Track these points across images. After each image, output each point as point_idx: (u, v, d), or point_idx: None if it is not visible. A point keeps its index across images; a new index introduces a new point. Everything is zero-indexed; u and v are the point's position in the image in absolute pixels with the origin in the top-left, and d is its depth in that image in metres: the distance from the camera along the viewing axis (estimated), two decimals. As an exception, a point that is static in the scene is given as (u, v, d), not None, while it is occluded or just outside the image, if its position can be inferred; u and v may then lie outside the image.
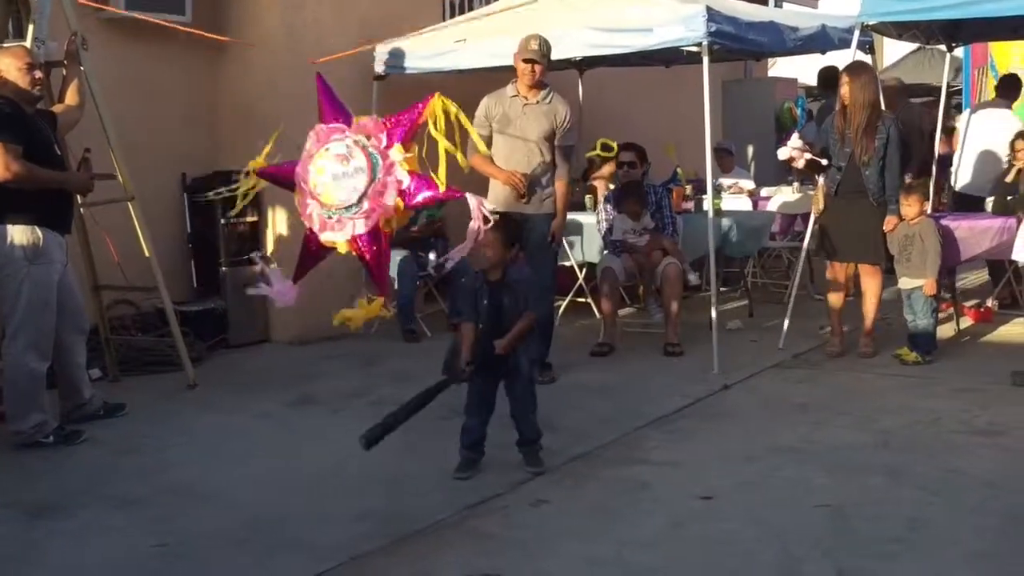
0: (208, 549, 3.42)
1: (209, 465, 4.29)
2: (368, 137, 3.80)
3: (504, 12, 6.67)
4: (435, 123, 3.93)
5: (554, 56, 6.25)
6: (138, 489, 4.00)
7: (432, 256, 6.80)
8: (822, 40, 6.80)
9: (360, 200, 3.73)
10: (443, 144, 3.90)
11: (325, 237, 3.82)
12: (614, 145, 7.31)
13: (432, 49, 6.66)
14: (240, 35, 6.65)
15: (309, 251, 3.99)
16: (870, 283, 5.90)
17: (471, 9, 7.85)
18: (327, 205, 3.72)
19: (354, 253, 3.88)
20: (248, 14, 6.71)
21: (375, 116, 3.92)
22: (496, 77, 7.45)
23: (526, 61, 5.26)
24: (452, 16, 7.71)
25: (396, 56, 6.75)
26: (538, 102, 5.33)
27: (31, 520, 3.70)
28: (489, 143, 5.31)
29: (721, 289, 7.07)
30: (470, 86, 7.55)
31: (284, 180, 3.91)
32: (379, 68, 6.82)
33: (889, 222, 5.64)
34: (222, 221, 6.54)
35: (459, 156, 4.00)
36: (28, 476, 4.19)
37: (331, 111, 3.86)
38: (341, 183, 3.72)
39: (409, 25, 6.93)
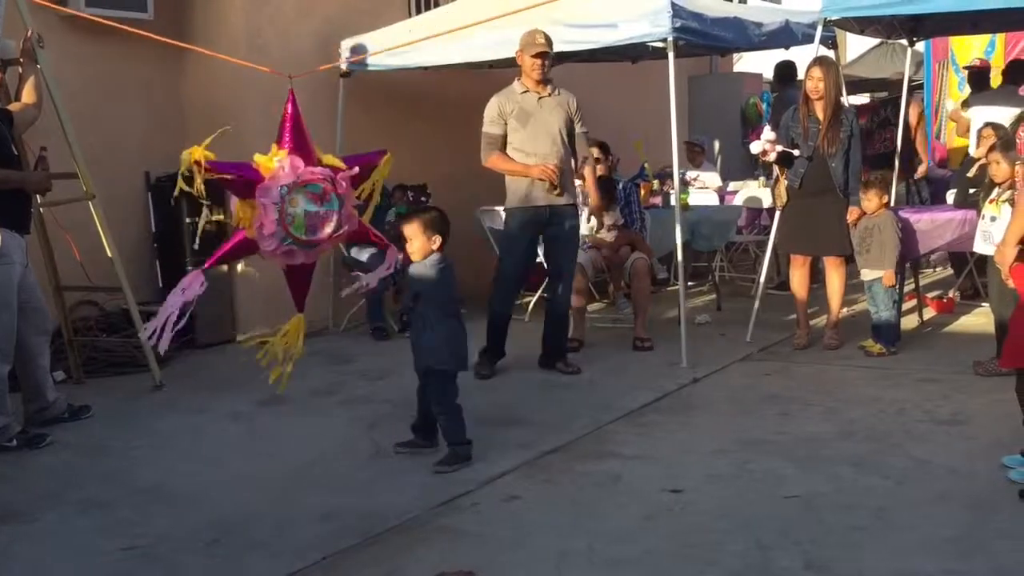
0: (177, 551, 3.38)
1: (177, 466, 4.25)
2: (333, 180, 3.85)
3: (469, 6, 6.65)
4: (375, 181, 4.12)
5: (520, 51, 6.27)
6: (105, 492, 3.95)
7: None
8: (786, 35, 6.85)
9: (319, 241, 3.83)
10: (376, 200, 4.20)
11: (270, 255, 3.84)
12: None
13: (398, 45, 6.62)
14: (204, 33, 6.58)
15: (238, 250, 3.97)
16: (834, 275, 5.97)
17: (436, 5, 7.83)
18: (293, 236, 3.77)
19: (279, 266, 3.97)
20: (211, 12, 6.64)
21: (339, 165, 3.93)
22: (463, 73, 7.47)
23: (535, 56, 5.26)
24: (418, 12, 7.68)
25: (361, 53, 6.71)
26: (550, 95, 5.37)
27: (-5, 525, 3.64)
28: (502, 142, 5.32)
29: (689, 283, 7.12)
30: (436, 82, 7.57)
31: (238, 184, 3.79)
32: (344, 65, 6.78)
33: (852, 212, 5.71)
34: (187, 220, 6.48)
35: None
36: (-9, 481, 4.12)
37: (294, 137, 3.84)
38: (310, 221, 3.78)
39: (374, 20, 6.90)
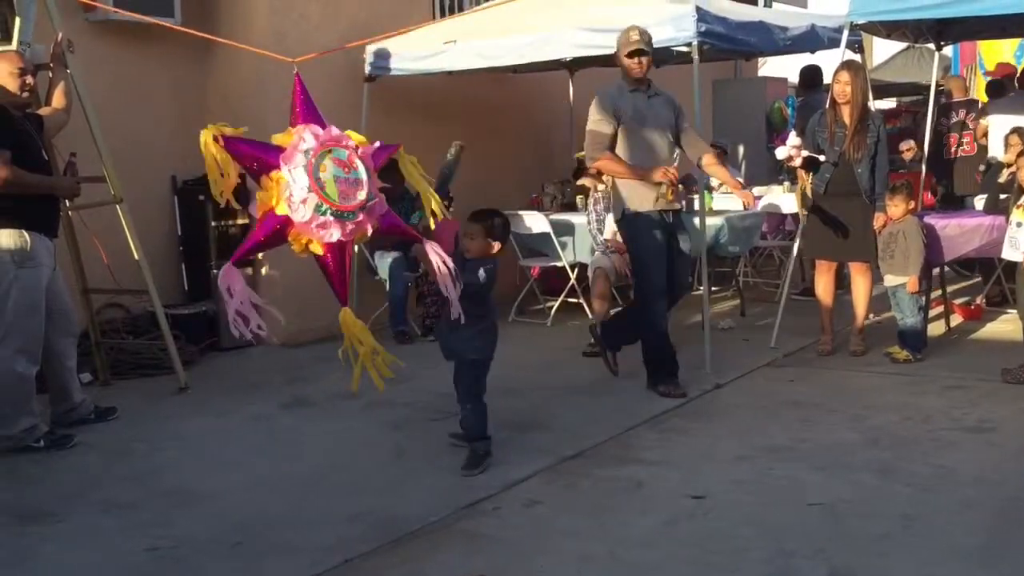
0: (201, 553, 3.41)
1: (201, 468, 4.28)
2: (357, 150, 3.77)
3: (494, 12, 6.67)
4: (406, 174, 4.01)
5: (544, 56, 6.28)
6: (130, 493, 3.98)
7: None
8: (811, 40, 6.82)
9: (356, 212, 3.68)
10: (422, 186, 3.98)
11: (307, 229, 3.69)
12: None
13: (422, 50, 6.66)
14: (230, 38, 6.63)
15: (267, 237, 3.81)
16: (861, 281, 5.92)
17: (461, 9, 7.86)
18: (328, 200, 3.63)
19: (316, 258, 3.79)
20: (236, 15, 6.70)
21: (360, 139, 3.85)
22: (486, 78, 7.49)
23: (631, 55, 5.01)
24: (442, 16, 7.71)
25: (385, 57, 6.75)
26: (656, 93, 5.15)
27: (22, 525, 3.68)
28: (611, 142, 5.02)
29: (713, 289, 7.08)
30: (459, 87, 7.59)
31: (255, 160, 3.68)
32: (368, 69, 6.82)
33: (879, 219, 5.66)
34: (212, 223, 6.53)
35: (434, 204, 3.98)
36: (19, 481, 4.17)
37: (305, 113, 3.79)
38: (341, 187, 3.67)
39: (399, 25, 6.92)
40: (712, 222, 6.55)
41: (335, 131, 3.73)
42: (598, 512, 3.66)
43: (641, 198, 5.03)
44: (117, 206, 5.40)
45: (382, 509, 3.73)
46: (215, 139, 3.50)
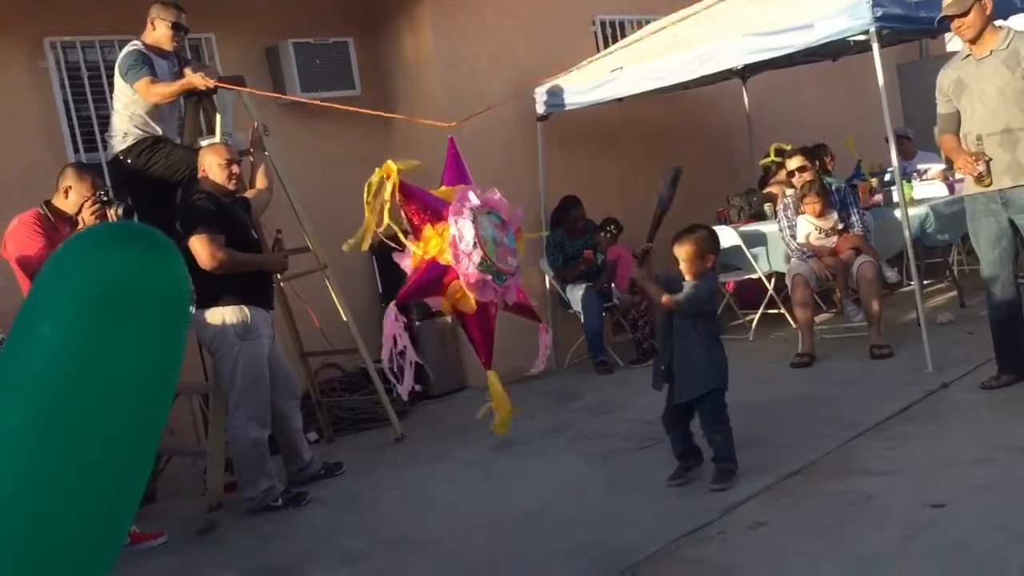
0: (432, 597, 3.51)
1: (423, 514, 4.42)
2: (503, 223, 3.79)
3: (656, 34, 6.63)
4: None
5: (714, 68, 6.16)
6: (361, 543, 4.16)
7: (614, 287, 6.81)
8: (1003, 5, 6.31)
9: (508, 276, 3.72)
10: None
11: (468, 283, 3.75)
12: (787, 148, 7.08)
13: (590, 82, 6.70)
14: (407, 100, 6.94)
15: (427, 283, 3.86)
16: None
17: (624, 36, 7.86)
18: (488, 259, 3.68)
19: (461, 321, 3.79)
20: (412, 79, 6.98)
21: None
22: (657, 99, 7.43)
23: (942, 20, 4.69)
24: (605, 47, 7.75)
25: (555, 95, 6.83)
26: (992, 52, 4.60)
27: (269, 580, 3.93)
28: (952, 122, 4.78)
29: (925, 283, 6.65)
30: (631, 113, 7.58)
31: (427, 208, 3.77)
32: (540, 109, 6.93)
33: None
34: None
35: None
36: (263, 539, 4.45)
37: (457, 174, 3.87)
38: (499, 249, 3.73)
39: (564, 62, 7.01)
40: (915, 212, 6.18)
41: (496, 195, 3.79)
42: (828, 530, 3.48)
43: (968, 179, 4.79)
44: (323, 272, 5.72)
45: (602, 542, 3.71)
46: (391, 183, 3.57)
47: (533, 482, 4.59)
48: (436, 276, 3.74)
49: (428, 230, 3.69)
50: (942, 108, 4.84)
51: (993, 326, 4.89)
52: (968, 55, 4.71)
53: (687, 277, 4.10)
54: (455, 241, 3.63)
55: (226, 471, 4.94)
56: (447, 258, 3.66)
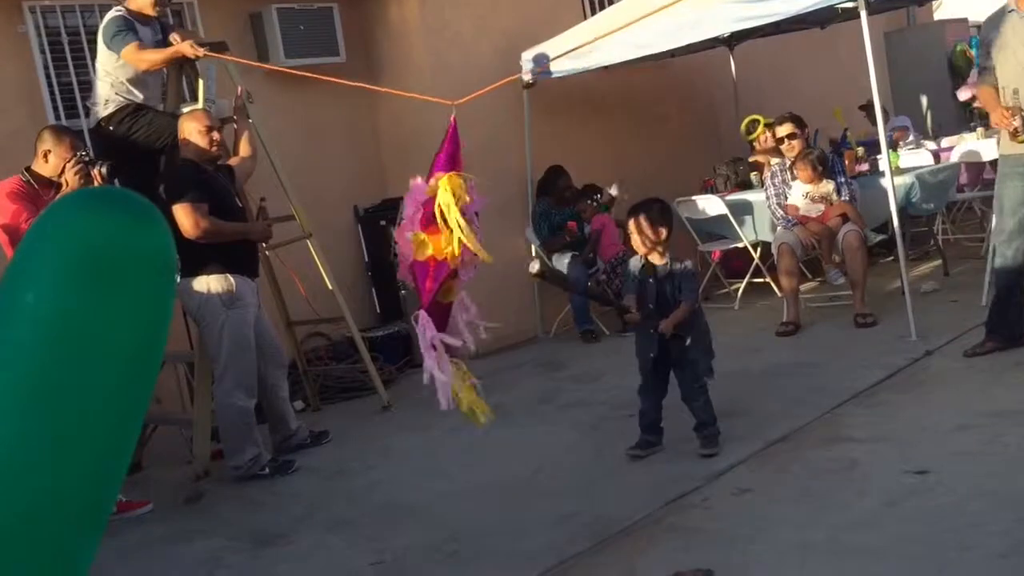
0: (421, 563, 3.53)
1: (411, 482, 4.44)
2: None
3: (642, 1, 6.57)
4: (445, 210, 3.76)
5: (701, 36, 6.12)
6: (350, 511, 4.18)
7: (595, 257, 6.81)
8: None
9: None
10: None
11: (464, 281, 3.74)
12: (761, 120, 7.12)
13: (576, 49, 6.63)
14: (391, 66, 6.88)
15: (439, 286, 3.88)
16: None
17: (611, 4, 7.79)
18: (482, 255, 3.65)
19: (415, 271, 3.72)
20: (396, 45, 6.92)
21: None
22: (644, 66, 7.39)
23: None
24: (592, 14, 7.68)
25: (541, 62, 6.78)
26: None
27: (258, 548, 3.93)
28: (992, 75, 4.70)
29: (910, 251, 6.68)
30: (617, 80, 7.53)
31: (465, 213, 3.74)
32: (526, 76, 6.87)
33: None
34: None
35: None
36: (250, 507, 4.45)
37: (452, 157, 3.82)
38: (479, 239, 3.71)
39: (550, 29, 6.95)
40: (901, 181, 6.18)
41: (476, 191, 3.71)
42: (813, 496, 3.51)
43: (1003, 137, 4.74)
44: (307, 240, 5.69)
45: (589, 509, 3.74)
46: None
47: (521, 450, 4.61)
48: (445, 278, 3.79)
49: (443, 234, 3.71)
50: (983, 61, 4.79)
51: (998, 290, 4.83)
52: (1013, 10, 4.63)
53: (639, 251, 4.13)
54: (465, 248, 3.65)
55: (212, 439, 4.93)
56: (456, 262, 3.68)
